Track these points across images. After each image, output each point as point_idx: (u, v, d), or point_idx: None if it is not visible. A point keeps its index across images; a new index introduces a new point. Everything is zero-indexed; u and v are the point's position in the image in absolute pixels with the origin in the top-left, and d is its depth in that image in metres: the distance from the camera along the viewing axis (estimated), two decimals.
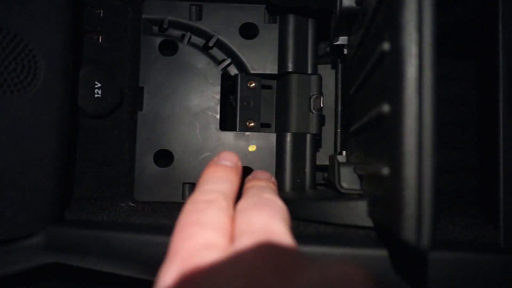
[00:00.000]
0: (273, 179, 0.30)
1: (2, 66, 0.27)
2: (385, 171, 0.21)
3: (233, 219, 0.21)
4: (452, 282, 0.26)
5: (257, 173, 0.30)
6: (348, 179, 0.32)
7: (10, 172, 0.28)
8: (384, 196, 0.22)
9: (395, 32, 0.19)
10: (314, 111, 0.41)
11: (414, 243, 0.18)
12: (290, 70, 0.40)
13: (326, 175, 0.46)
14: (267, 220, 0.19)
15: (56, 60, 0.30)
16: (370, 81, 0.27)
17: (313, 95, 0.41)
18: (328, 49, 0.47)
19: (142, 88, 0.40)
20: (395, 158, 0.18)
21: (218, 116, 0.41)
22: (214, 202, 0.21)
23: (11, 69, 0.28)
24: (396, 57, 0.18)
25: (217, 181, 0.23)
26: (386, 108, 0.21)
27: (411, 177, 0.17)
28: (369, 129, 0.27)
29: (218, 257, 0.17)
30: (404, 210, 0.18)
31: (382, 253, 0.26)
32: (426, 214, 0.17)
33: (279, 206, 0.21)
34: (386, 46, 0.21)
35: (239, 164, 0.27)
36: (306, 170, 0.41)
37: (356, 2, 0.32)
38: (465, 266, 0.26)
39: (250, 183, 0.27)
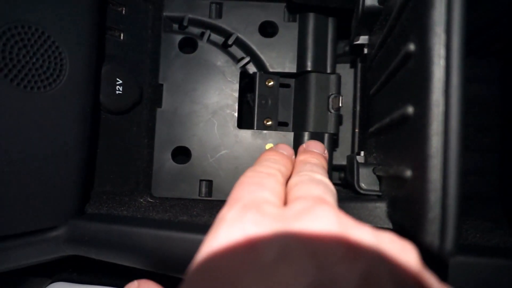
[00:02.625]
0: (326, 152, 0.30)
1: (30, 63, 0.28)
2: (408, 173, 0.20)
3: (286, 194, 0.22)
4: None
5: (311, 144, 0.31)
6: (367, 180, 0.32)
7: (35, 167, 0.28)
8: (405, 198, 0.22)
9: (422, 33, 0.18)
10: (332, 111, 0.40)
11: (437, 247, 0.17)
12: (309, 69, 0.40)
13: (342, 175, 0.46)
14: (322, 193, 0.20)
15: (81, 57, 0.31)
16: (393, 82, 0.27)
17: (331, 94, 0.41)
18: (347, 48, 0.47)
19: (162, 85, 0.41)
20: (419, 160, 0.18)
21: (236, 114, 0.41)
22: (273, 175, 0.22)
23: (38, 66, 0.28)
24: (423, 58, 0.18)
25: (276, 162, 0.25)
26: (410, 109, 0.20)
27: (436, 180, 0.17)
28: (391, 130, 0.27)
29: (277, 211, 0.18)
30: (427, 213, 0.17)
31: None
32: (450, 218, 0.17)
33: (332, 188, 0.22)
34: (411, 47, 0.20)
35: (294, 158, 0.28)
36: None
37: (379, 2, 0.32)
38: (486, 272, 0.25)
39: (303, 156, 0.28)
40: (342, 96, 0.40)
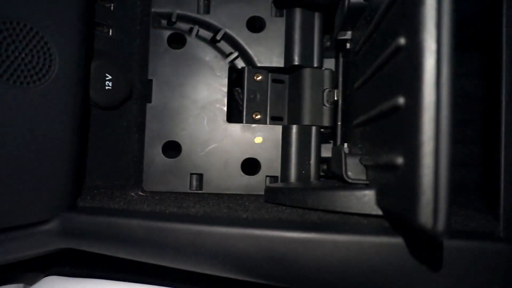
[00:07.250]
0: None
1: (19, 58, 0.28)
2: (399, 160, 0.22)
3: None
4: (453, 268, 0.27)
5: None
6: (354, 170, 0.33)
7: (26, 161, 0.28)
8: (397, 184, 0.23)
9: (413, 27, 0.19)
10: (327, 105, 0.42)
11: (431, 228, 0.19)
12: (296, 63, 0.41)
13: (324, 167, 0.47)
14: None
15: (70, 52, 0.31)
16: (380, 75, 0.28)
17: (326, 88, 0.42)
18: (329, 43, 0.48)
19: (151, 80, 0.41)
20: (412, 147, 0.19)
21: (225, 109, 0.42)
22: None
23: (27, 61, 0.28)
24: (414, 52, 0.19)
25: None
26: (401, 100, 0.22)
27: (429, 165, 0.18)
28: (379, 120, 0.28)
29: None
30: (421, 196, 0.19)
31: (391, 240, 0.27)
32: (442, 200, 0.18)
33: None
34: (401, 41, 0.22)
35: None
36: (310, 162, 0.42)
37: None
38: (466, 254, 0.27)
39: None
40: (337, 90, 0.42)
